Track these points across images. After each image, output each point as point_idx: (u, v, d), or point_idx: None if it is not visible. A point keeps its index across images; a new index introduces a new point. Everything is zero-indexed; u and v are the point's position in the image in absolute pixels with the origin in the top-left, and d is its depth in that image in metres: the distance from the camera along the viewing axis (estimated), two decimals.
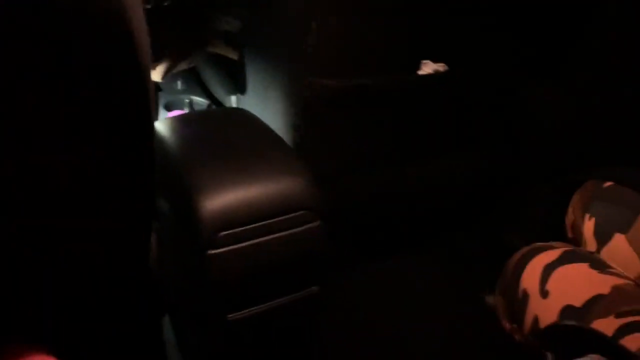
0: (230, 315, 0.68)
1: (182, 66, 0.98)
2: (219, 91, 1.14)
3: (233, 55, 1.13)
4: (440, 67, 0.87)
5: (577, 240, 0.64)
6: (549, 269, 0.56)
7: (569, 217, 0.66)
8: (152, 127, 0.52)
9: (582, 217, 0.63)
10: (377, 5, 0.77)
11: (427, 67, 0.87)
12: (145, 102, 0.48)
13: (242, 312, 0.69)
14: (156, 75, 1.01)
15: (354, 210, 0.94)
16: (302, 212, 0.70)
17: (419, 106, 0.89)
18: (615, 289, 0.52)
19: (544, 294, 0.54)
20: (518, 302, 0.57)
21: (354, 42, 0.81)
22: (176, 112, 1.08)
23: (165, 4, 0.87)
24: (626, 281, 0.54)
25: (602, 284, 0.52)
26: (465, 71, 0.91)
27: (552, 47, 0.96)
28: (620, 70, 0.89)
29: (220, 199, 0.68)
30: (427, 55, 0.86)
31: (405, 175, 0.95)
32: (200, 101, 1.12)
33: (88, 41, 0.39)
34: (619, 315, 0.49)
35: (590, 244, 0.62)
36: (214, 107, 1.10)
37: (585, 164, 0.80)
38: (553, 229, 0.70)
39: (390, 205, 0.99)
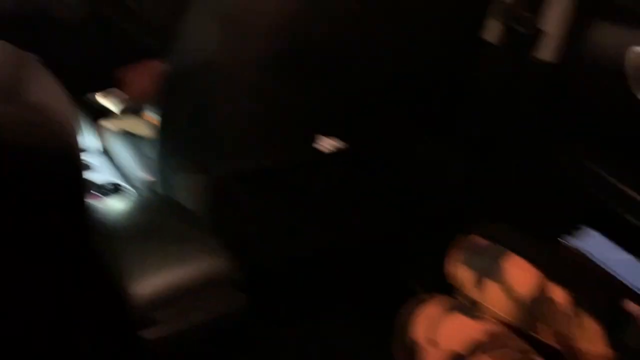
0: None
1: None
2: (131, 172, 1.19)
3: (143, 131, 1.19)
4: (336, 141, 0.98)
5: (458, 288, 0.77)
6: (435, 320, 0.67)
7: (449, 268, 0.78)
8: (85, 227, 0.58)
9: (459, 268, 0.76)
10: (273, 92, 0.87)
11: (324, 143, 0.98)
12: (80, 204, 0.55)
13: None
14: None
15: (270, 278, 1.03)
16: (225, 287, 0.77)
17: (319, 178, 1.00)
18: (489, 334, 0.64)
19: (433, 343, 0.65)
20: (410, 354, 0.68)
21: (254, 126, 0.90)
22: (95, 197, 1.12)
23: None
24: (496, 326, 0.66)
25: (478, 329, 0.64)
26: (361, 141, 1.03)
27: (442, 105, 1.10)
28: (500, 124, 1.04)
29: (149, 282, 0.74)
30: (324, 131, 0.97)
31: (315, 239, 1.05)
32: (114, 182, 1.16)
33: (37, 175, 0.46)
34: (492, 357, 0.61)
35: (469, 291, 0.75)
36: (128, 188, 1.14)
37: (468, 217, 0.95)
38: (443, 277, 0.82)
39: (306, 268, 1.08)
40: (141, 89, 1.18)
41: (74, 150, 0.51)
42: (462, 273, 0.77)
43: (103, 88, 1.24)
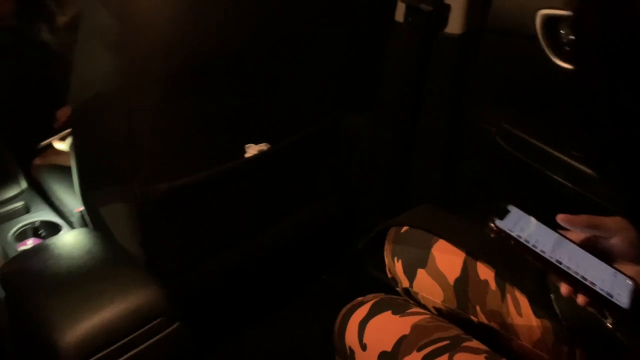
0: None
1: None
2: (63, 204, 1.16)
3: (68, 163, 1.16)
4: (264, 146, 0.97)
5: (394, 279, 0.77)
6: (363, 324, 0.66)
7: (386, 261, 0.78)
8: None
9: (393, 260, 0.76)
10: (180, 110, 0.85)
11: (252, 150, 0.96)
12: None
13: None
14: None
15: (215, 290, 1.01)
16: (159, 319, 0.76)
17: (251, 183, 0.98)
18: (415, 327, 0.64)
19: (363, 347, 0.65)
20: (347, 358, 0.68)
21: (182, 143, 0.88)
22: (27, 242, 1.09)
23: None
24: (423, 317, 0.66)
25: (403, 325, 0.64)
26: (288, 142, 1.01)
27: (362, 84, 1.09)
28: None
29: (78, 329, 0.72)
30: (250, 138, 0.95)
31: (257, 244, 1.04)
32: (49, 220, 1.13)
33: None
34: (420, 349, 0.61)
35: (404, 281, 0.75)
36: (62, 225, 1.12)
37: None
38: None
39: (250, 274, 1.07)
40: None
41: None
42: (395, 264, 0.76)
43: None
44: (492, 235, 0.54)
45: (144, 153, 0.84)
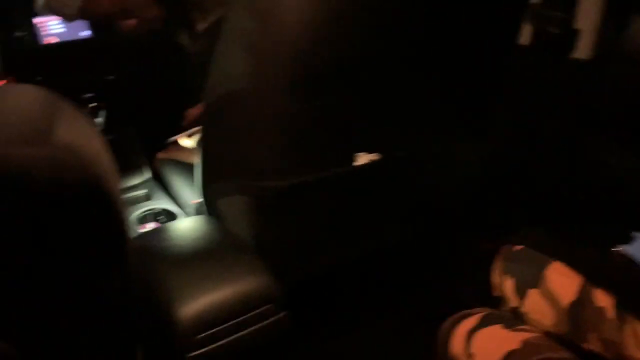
0: None
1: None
2: (179, 196, 1.25)
3: (193, 160, 1.25)
4: (375, 156, 0.99)
5: (502, 298, 0.75)
6: (470, 334, 0.66)
7: (494, 279, 0.77)
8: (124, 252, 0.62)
9: (502, 278, 0.75)
10: (304, 113, 0.89)
11: (363, 158, 0.99)
12: (120, 240, 0.58)
13: None
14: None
15: (311, 292, 1.04)
16: (266, 306, 0.80)
17: (359, 190, 1.01)
18: (525, 343, 0.62)
19: (469, 356, 0.64)
20: None
21: (305, 144, 0.93)
22: (147, 226, 1.18)
23: None
24: (534, 334, 0.64)
25: (514, 340, 0.63)
26: (399, 155, 1.03)
27: (477, 107, 1.08)
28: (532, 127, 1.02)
29: (194, 305, 0.77)
30: (359, 144, 0.98)
31: (354, 250, 1.06)
32: (167, 208, 1.23)
33: (69, 211, 0.50)
34: None
35: (513, 301, 0.73)
36: (178, 214, 1.20)
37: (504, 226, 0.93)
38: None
39: (347, 281, 1.09)
40: None
41: (107, 189, 0.54)
42: (505, 283, 0.75)
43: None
44: (616, 260, 0.53)
45: (270, 151, 0.89)
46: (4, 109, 0.52)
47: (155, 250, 0.88)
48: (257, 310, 0.79)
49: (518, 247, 0.75)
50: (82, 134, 0.55)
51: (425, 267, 1.20)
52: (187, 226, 0.92)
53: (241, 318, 0.78)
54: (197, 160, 1.22)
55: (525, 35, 0.98)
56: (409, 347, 0.99)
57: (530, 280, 0.72)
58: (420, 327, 0.80)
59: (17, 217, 0.48)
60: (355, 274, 1.09)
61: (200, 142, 1.04)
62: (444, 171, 1.10)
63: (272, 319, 0.80)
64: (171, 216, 1.21)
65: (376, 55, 0.87)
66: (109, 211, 0.56)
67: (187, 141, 1.29)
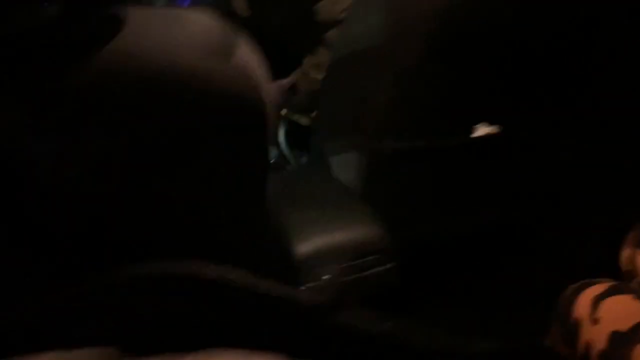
0: None
1: None
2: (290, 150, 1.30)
3: (304, 122, 1.29)
4: (493, 129, 0.99)
5: (631, 272, 0.73)
6: (597, 300, 0.65)
7: (625, 251, 0.75)
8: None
9: (636, 251, 0.73)
10: (433, 76, 0.91)
11: (481, 131, 0.99)
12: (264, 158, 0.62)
13: None
14: None
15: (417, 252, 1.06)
16: (377, 255, 0.83)
17: (469, 165, 1.01)
18: None
19: (594, 321, 0.64)
20: (571, 331, 0.67)
21: (414, 109, 0.94)
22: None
23: None
24: None
25: None
26: (516, 126, 1.02)
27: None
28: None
29: (312, 243, 0.81)
30: (480, 115, 0.98)
31: (457, 223, 1.06)
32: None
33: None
34: None
35: None
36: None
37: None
38: (596, 267, 0.79)
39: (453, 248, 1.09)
40: None
41: (267, 118, 0.58)
42: (638, 256, 0.74)
43: None
44: None
45: (391, 111, 0.91)
46: (187, 28, 0.56)
47: (276, 190, 0.93)
48: (368, 257, 0.82)
49: None
50: (252, 59, 0.59)
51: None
52: (305, 172, 0.97)
53: (353, 262, 0.81)
54: (306, 122, 1.26)
55: None
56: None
57: None
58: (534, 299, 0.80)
59: (190, 131, 0.53)
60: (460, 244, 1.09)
61: (321, 99, 1.07)
62: (560, 156, 1.08)
63: (381, 268, 0.83)
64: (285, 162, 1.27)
65: (517, 29, 0.86)
66: (263, 140, 0.60)
67: None
